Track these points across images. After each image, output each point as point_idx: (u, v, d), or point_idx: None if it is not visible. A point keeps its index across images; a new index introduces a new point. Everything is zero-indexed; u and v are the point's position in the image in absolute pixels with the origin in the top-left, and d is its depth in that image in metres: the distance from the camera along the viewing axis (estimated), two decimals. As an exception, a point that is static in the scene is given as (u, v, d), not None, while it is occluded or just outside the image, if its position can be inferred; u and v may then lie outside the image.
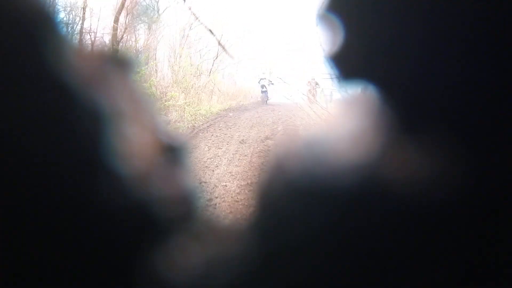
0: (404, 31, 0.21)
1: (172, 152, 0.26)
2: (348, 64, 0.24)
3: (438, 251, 0.21)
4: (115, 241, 0.23)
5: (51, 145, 0.21)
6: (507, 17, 0.19)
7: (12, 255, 0.21)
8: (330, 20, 0.23)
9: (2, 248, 0.21)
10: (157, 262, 0.23)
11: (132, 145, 0.23)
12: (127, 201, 0.22)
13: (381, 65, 0.22)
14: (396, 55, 0.22)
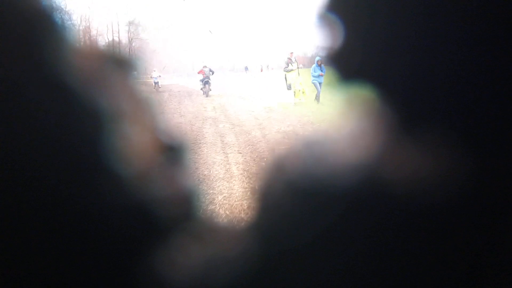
0: (404, 31, 0.21)
1: (173, 152, 0.26)
2: (348, 64, 0.24)
3: (438, 251, 0.21)
4: (116, 241, 0.23)
5: (51, 145, 0.21)
6: (506, 16, 0.19)
7: (12, 255, 0.21)
8: (330, 20, 0.23)
9: (4, 248, 0.21)
10: (157, 262, 0.23)
11: (132, 144, 0.23)
12: (127, 200, 0.22)
13: (380, 65, 0.22)
14: (396, 55, 0.22)
